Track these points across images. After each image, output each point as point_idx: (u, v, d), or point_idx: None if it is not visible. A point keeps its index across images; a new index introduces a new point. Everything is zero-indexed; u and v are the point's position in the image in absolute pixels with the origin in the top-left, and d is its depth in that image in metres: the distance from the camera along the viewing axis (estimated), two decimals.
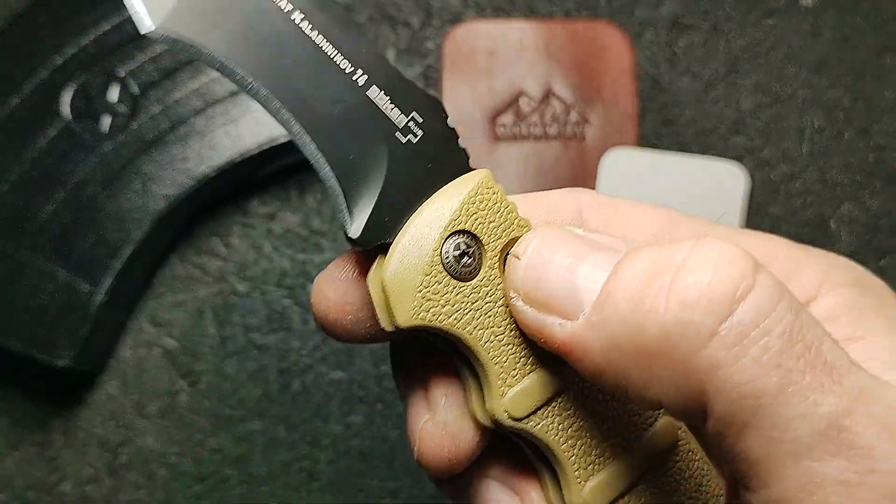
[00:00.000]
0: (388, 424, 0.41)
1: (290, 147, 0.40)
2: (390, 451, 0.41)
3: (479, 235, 0.20)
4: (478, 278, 0.20)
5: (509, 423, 0.20)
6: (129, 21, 0.40)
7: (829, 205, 0.44)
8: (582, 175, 0.43)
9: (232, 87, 0.40)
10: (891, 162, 0.44)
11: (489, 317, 0.20)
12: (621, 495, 0.21)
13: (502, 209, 0.20)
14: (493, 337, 0.20)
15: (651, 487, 0.21)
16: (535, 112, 0.44)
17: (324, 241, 0.43)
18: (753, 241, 0.21)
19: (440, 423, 0.21)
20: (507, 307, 0.20)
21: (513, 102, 0.44)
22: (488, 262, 0.20)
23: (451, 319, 0.19)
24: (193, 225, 0.42)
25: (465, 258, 0.19)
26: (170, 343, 0.42)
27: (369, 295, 0.20)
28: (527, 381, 0.20)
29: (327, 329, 0.21)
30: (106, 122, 0.39)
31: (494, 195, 0.20)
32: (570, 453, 0.20)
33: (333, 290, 0.21)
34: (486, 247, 0.20)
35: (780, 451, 0.16)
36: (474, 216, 0.20)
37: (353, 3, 0.44)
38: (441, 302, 0.19)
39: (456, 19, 0.44)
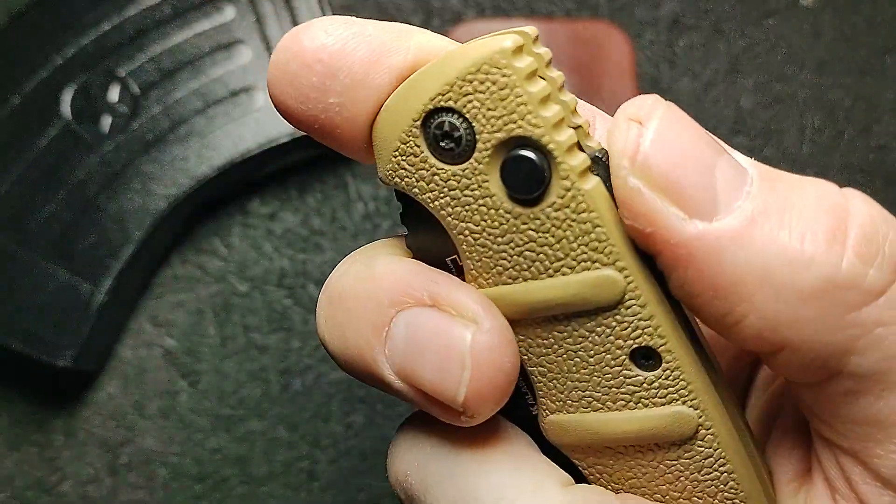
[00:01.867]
0: (389, 424, 0.41)
1: (290, 147, 0.40)
2: None
3: (471, 120, 0.17)
4: (461, 166, 0.17)
5: None
6: (129, 21, 0.40)
7: None
8: None
9: (232, 87, 0.40)
10: (891, 162, 0.44)
11: (467, 211, 0.17)
12: (591, 447, 0.19)
13: (510, 97, 0.16)
14: (467, 232, 0.18)
15: (638, 463, 0.19)
16: None
17: (324, 241, 0.43)
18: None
19: (496, 329, 0.17)
20: (489, 207, 0.17)
21: None
22: (477, 155, 0.17)
23: (424, 196, 0.17)
24: (193, 225, 0.42)
25: (447, 140, 0.17)
26: (170, 343, 0.42)
27: (355, 62, 0.17)
28: (498, 290, 0.18)
29: (277, 87, 0.17)
30: (106, 122, 0.40)
31: (504, 77, 0.16)
32: (539, 381, 0.19)
33: (311, 41, 0.17)
34: (478, 136, 0.17)
35: None
36: (468, 96, 0.16)
37: (353, 3, 0.44)
38: (416, 175, 0.17)
39: (456, 19, 0.44)
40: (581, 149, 0.17)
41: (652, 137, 0.16)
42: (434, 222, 0.18)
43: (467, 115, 0.17)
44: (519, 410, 0.19)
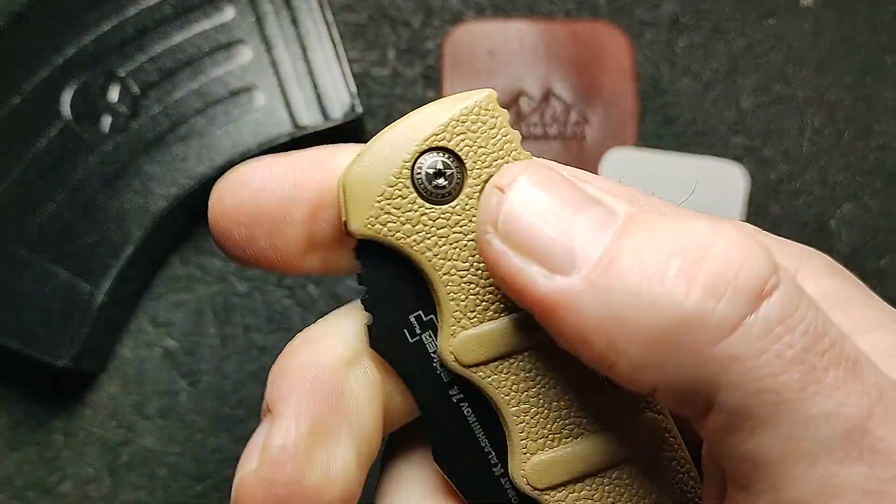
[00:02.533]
0: None
1: (290, 147, 0.40)
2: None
3: (463, 158, 0.18)
4: (451, 204, 0.18)
5: (454, 366, 0.18)
6: (129, 21, 0.40)
7: (829, 205, 0.44)
8: None
9: (232, 87, 0.40)
10: (891, 162, 0.44)
11: (454, 248, 0.18)
12: (573, 480, 0.19)
13: (499, 136, 0.18)
14: (454, 271, 0.18)
15: (616, 482, 0.19)
16: (535, 112, 0.44)
17: None
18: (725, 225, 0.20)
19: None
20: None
21: (513, 102, 0.44)
22: (468, 191, 0.18)
23: (409, 239, 0.18)
24: (194, 225, 0.42)
25: (440, 179, 0.18)
26: (170, 343, 0.42)
27: (275, 205, 0.18)
28: (484, 327, 0.18)
29: (218, 236, 0.19)
30: (106, 122, 0.40)
31: (493, 119, 0.18)
32: (521, 419, 0.18)
33: (231, 197, 0.19)
34: (469, 172, 0.18)
35: (797, 452, 0.15)
36: (462, 136, 0.18)
37: (353, 3, 0.44)
38: (401, 218, 0.18)
39: (456, 19, 0.44)
40: None
41: (511, 202, 0.16)
42: (401, 278, 0.18)
43: (460, 154, 0.18)
44: (477, 477, 0.19)
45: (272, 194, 0.18)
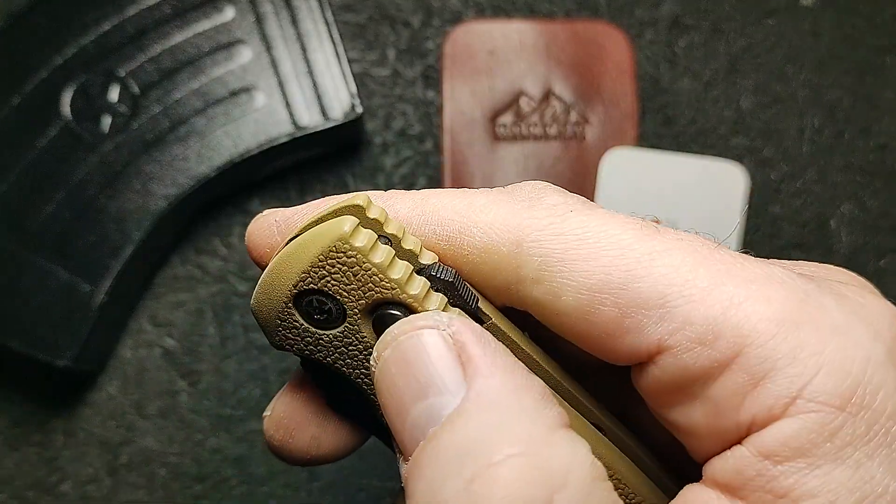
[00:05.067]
0: None
1: (290, 147, 0.40)
2: (390, 450, 0.41)
3: (334, 295, 0.19)
4: (339, 329, 0.19)
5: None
6: (129, 21, 0.40)
7: (829, 205, 0.44)
8: (582, 175, 0.43)
9: (232, 87, 0.40)
10: (891, 162, 0.44)
11: (354, 360, 0.19)
12: None
13: (360, 272, 0.18)
14: (361, 376, 0.20)
15: None
16: (535, 112, 0.44)
17: None
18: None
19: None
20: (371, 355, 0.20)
21: (513, 102, 0.44)
22: (350, 319, 0.19)
23: (317, 356, 0.19)
24: (193, 225, 0.42)
25: (319, 314, 0.19)
26: (170, 343, 0.42)
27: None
28: None
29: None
30: (106, 122, 0.40)
31: (350, 259, 0.18)
32: None
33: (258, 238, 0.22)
34: (346, 305, 0.19)
35: None
36: (325, 279, 0.19)
37: (353, 3, 0.44)
38: (302, 342, 0.19)
39: (456, 19, 0.44)
40: (428, 278, 0.19)
41: (376, 377, 0.19)
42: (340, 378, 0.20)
43: (330, 292, 0.19)
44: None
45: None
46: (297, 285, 0.19)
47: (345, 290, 0.19)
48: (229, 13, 0.41)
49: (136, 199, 0.39)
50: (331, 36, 0.41)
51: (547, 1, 0.45)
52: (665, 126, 0.44)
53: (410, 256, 0.19)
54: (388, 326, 0.19)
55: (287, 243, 0.19)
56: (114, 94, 0.40)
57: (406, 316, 0.19)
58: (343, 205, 0.19)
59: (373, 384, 0.19)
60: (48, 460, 0.41)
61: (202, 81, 0.40)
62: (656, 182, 0.43)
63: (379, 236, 0.19)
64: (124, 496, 0.40)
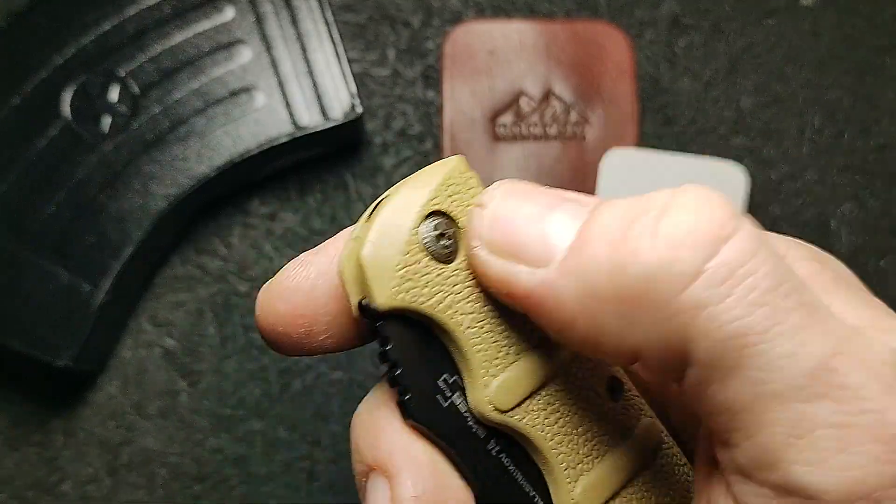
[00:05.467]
0: None
1: (290, 147, 0.40)
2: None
3: (455, 218, 0.19)
4: (457, 261, 0.19)
5: (495, 415, 0.19)
6: (129, 21, 0.40)
7: (829, 205, 0.44)
8: (582, 175, 0.43)
9: (232, 87, 0.40)
10: (891, 162, 0.44)
11: (469, 302, 0.19)
12: (613, 496, 0.20)
13: (476, 194, 0.19)
14: (474, 323, 0.19)
15: (641, 489, 0.20)
16: (535, 112, 0.44)
17: (324, 242, 0.43)
18: None
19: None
20: (488, 293, 0.19)
21: (513, 102, 0.44)
22: (465, 245, 0.19)
23: (431, 301, 0.19)
24: (193, 225, 0.42)
25: (444, 239, 0.19)
26: (170, 343, 0.42)
27: (330, 298, 0.19)
28: (511, 370, 0.19)
29: (274, 342, 0.20)
30: (106, 122, 0.40)
31: (470, 179, 0.19)
32: (558, 450, 0.19)
33: (284, 303, 0.20)
34: (462, 229, 0.19)
35: (767, 394, 0.15)
36: (451, 198, 0.19)
37: (353, 3, 0.44)
38: (421, 283, 0.18)
39: (456, 19, 0.44)
40: None
41: (490, 214, 0.18)
42: (423, 346, 0.19)
43: (452, 214, 0.19)
44: None
45: (324, 290, 0.19)
46: (425, 206, 0.19)
47: (465, 212, 0.19)
48: (229, 13, 0.41)
49: (136, 199, 0.39)
50: (331, 36, 0.41)
51: (547, 1, 0.45)
52: (665, 126, 0.44)
53: None
54: None
55: (375, 206, 0.19)
56: (114, 94, 0.40)
57: None
58: (439, 163, 0.19)
59: (483, 333, 0.19)
60: (48, 460, 0.41)
61: (202, 81, 0.40)
62: (656, 182, 0.43)
63: None
64: (124, 496, 0.40)
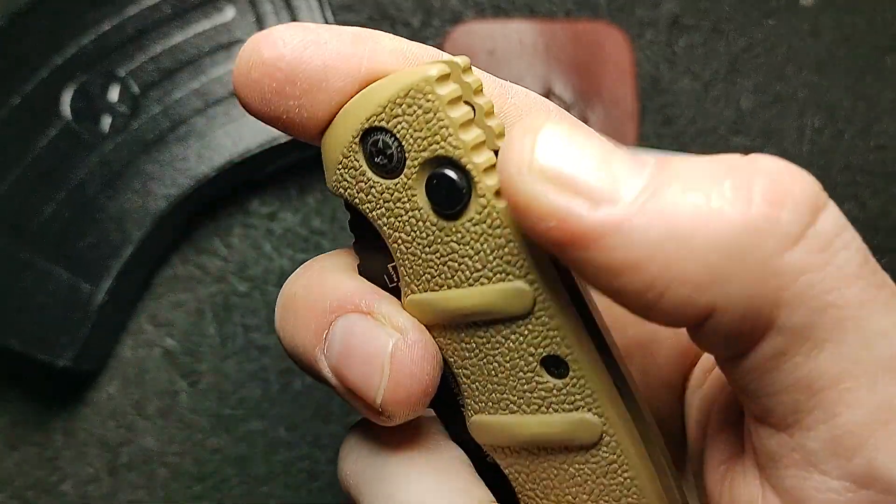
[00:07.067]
0: None
1: (290, 147, 0.40)
2: None
3: (400, 140, 0.18)
4: (394, 180, 0.19)
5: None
6: (130, 21, 0.40)
7: None
8: None
9: (232, 87, 0.40)
10: (891, 162, 0.44)
11: (399, 222, 0.19)
12: (510, 449, 0.20)
13: (433, 120, 0.18)
14: (400, 241, 0.19)
15: (554, 464, 0.20)
16: None
17: (324, 241, 0.43)
18: None
19: (418, 343, 0.19)
20: (418, 220, 0.19)
21: None
22: (406, 171, 0.19)
23: (364, 206, 0.19)
24: (193, 225, 0.42)
25: (381, 157, 0.19)
26: (170, 343, 0.42)
27: (315, 70, 0.19)
28: (427, 296, 0.19)
29: (244, 92, 0.20)
30: (106, 122, 0.40)
31: (428, 102, 0.18)
32: (467, 382, 0.20)
33: (270, 49, 0.19)
34: (407, 154, 0.18)
35: (858, 371, 0.15)
36: (398, 118, 0.18)
37: (353, 3, 0.44)
38: (356, 187, 0.19)
39: (456, 19, 0.44)
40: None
41: (544, 142, 0.16)
42: (375, 231, 0.20)
43: (397, 135, 0.18)
44: (455, 414, 0.21)
45: (314, 56, 0.18)
46: (368, 119, 0.18)
47: (411, 136, 0.18)
48: (229, 13, 0.41)
49: (136, 199, 0.39)
50: None
51: (547, 1, 0.45)
52: (665, 126, 0.44)
53: (489, 133, 0.19)
54: (442, 189, 0.18)
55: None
56: (114, 94, 0.40)
57: (463, 183, 0.18)
58: (444, 59, 0.19)
59: (408, 252, 0.19)
60: (48, 460, 0.41)
61: (202, 81, 0.40)
62: None
63: (465, 101, 0.18)
64: (124, 496, 0.40)
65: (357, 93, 0.19)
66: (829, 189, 0.46)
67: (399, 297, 0.20)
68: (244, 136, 0.40)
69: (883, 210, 0.44)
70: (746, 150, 0.44)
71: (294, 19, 0.41)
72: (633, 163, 0.16)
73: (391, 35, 0.19)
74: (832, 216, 0.15)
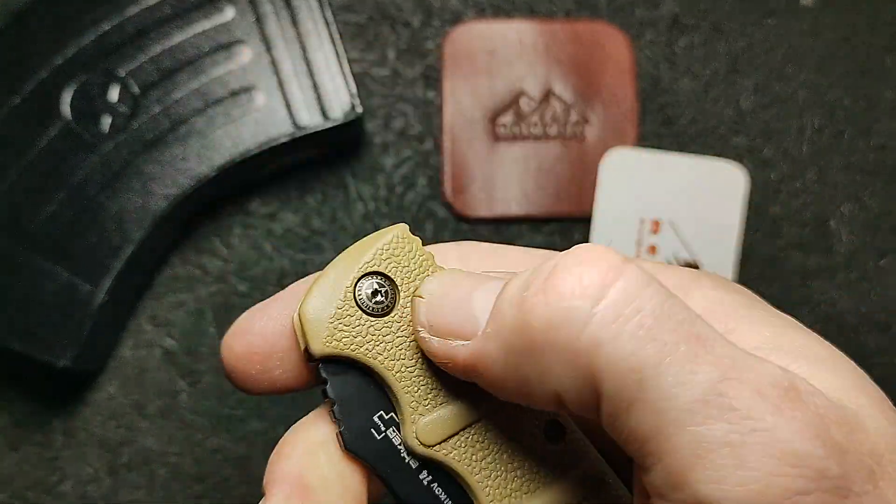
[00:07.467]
0: None
1: (290, 147, 0.40)
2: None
3: (393, 277, 0.22)
4: (390, 315, 0.21)
5: (422, 449, 0.21)
6: (130, 21, 0.40)
7: (829, 205, 0.44)
8: (582, 175, 0.43)
9: (232, 86, 0.40)
10: (891, 162, 0.44)
11: (400, 349, 0.21)
12: None
13: (416, 256, 0.22)
14: (404, 369, 0.21)
15: None
16: (535, 112, 0.44)
17: (324, 242, 0.43)
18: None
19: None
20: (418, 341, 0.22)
21: (513, 102, 0.44)
22: (402, 302, 0.22)
23: (362, 349, 0.21)
24: (193, 225, 0.42)
25: (378, 296, 0.21)
26: (170, 343, 0.42)
27: (279, 337, 0.22)
28: (439, 410, 0.21)
29: (235, 379, 0.23)
30: (106, 122, 0.40)
31: (409, 244, 0.22)
32: (485, 484, 0.21)
33: (240, 343, 0.23)
34: (400, 288, 0.22)
35: (666, 421, 0.17)
36: (388, 260, 0.22)
37: (353, 3, 0.44)
38: (353, 333, 0.21)
39: (456, 19, 0.44)
40: None
41: (427, 303, 0.21)
42: (361, 386, 0.22)
43: (389, 274, 0.22)
44: None
45: (273, 331, 0.23)
46: (362, 267, 0.21)
47: (402, 272, 0.22)
48: (229, 13, 0.41)
49: (136, 199, 0.39)
50: (331, 36, 0.41)
51: (547, 1, 0.45)
52: (665, 126, 0.44)
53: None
54: None
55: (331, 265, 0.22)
56: (114, 94, 0.40)
57: None
58: (382, 231, 0.22)
59: (413, 377, 0.21)
60: (48, 460, 0.41)
61: (202, 81, 0.40)
62: (656, 182, 0.43)
63: None
64: (124, 496, 0.40)
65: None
66: (829, 189, 0.46)
67: (390, 445, 0.22)
68: (244, 136, 0.40)
69: (883, 210, 0.44)
70: (746, 150, 0.44)
71: (294, 19, 0.41)
72: (488, 296, 0.20)
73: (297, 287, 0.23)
74: (624, 285, 0.18)
